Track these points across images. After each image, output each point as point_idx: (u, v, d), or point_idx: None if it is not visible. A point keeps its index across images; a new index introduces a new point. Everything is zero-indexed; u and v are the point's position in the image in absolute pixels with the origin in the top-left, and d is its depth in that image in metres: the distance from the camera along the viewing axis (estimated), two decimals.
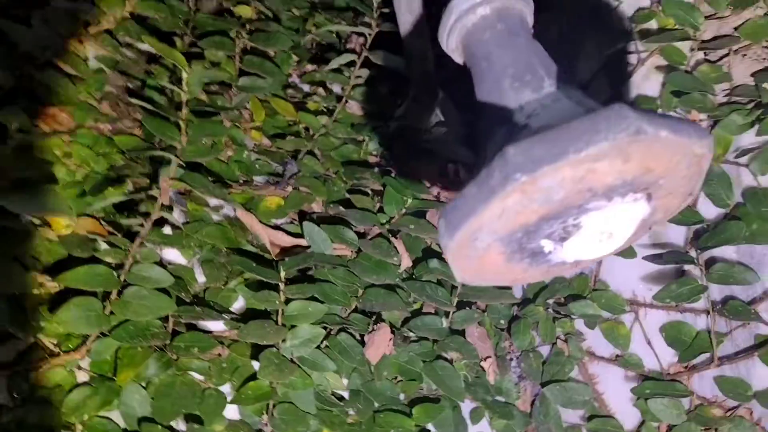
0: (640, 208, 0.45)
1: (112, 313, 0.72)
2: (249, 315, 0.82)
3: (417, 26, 0.91)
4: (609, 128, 0.38)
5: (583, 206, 0.43)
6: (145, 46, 0.99)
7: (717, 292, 0.74)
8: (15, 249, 0.70)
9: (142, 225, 0.78)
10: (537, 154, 0.40)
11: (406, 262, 0.93)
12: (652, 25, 0.81)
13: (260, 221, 0.91)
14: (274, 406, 0.78)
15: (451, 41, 0.53)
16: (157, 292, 0.75)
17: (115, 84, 0.96)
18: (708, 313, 0.74)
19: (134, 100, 0.86)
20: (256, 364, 0.79)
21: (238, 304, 0.84)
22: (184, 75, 0.83)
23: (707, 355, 0.74)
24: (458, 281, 0.52)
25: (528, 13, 0.51)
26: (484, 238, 0.45)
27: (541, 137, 0.40)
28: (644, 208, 0.45)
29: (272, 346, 0.79)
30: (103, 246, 0.77)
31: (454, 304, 0.91)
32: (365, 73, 1.04)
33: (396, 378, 0.87)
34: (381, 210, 0.96)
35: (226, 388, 0.78)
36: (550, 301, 0.90)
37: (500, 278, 0.51)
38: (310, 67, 1.12)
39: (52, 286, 0.74)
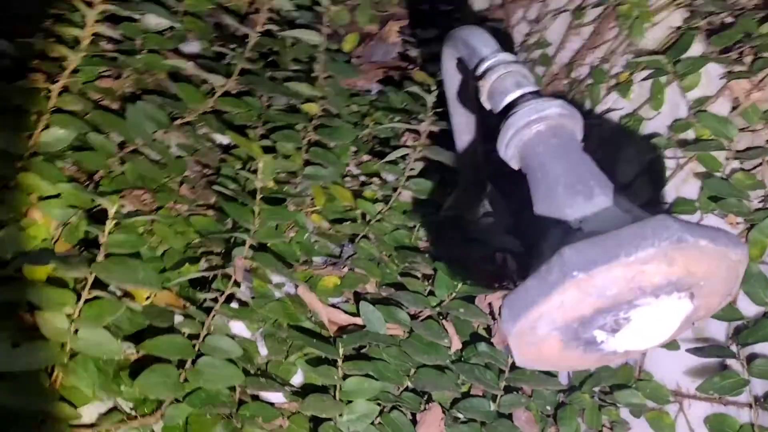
0: (683, 306, 0.50)
1: (186, 380, 0.78)
2: (308, 389, 0.87)
3: (468, 125, 1.00)
4: (655, 235, 0.44)
5: (633, 302, 0.48)
6: (219, 137, 1.10)
7: (759, 386, 0.77)
8: (104, 318, 0.77)
9: (215, 299, 0.85)
10: (591, 255, 0.46)
11: (456, 344, 0.97)
12: (689, 134, 0.88)
13: (319, 299, 0.98)
14: None
15: (509, 151, 0.60)
16: (227, 363, 0.81)
17: (193, 170, 1.06)
18: (751, 406, 0.77)
19: (215, 187, 0.95)
20: None
21: (297, 378, 0.89)
22: (260, 164, 0.92)
23: None
24: (518, 364, 0.57)
25: (578, 129, 0.58)
26: (543, 326, 0.50)
27: (595, 240, 0.46)
28: (687, 306, 0.50)
29: (330, 419, 0.83)
30: (178, 318, 0.85)
31: (502, 387, 0.94)
32: (418, 165, 1.12)
33: None
34: (431, 293, 1.01)
35: None
36: (596, 390, 0.93)
37: (556, 363, 0.56)
38: (366, 157, 1.21)
39: (131, 353, 0.81)
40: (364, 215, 1.09)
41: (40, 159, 0.89)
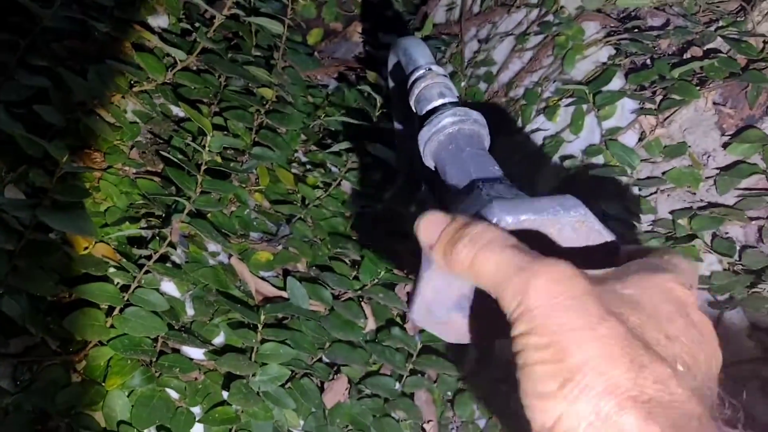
0: None
1: (112, 326, 0.84)
2: (227, 350, 0.94)
3: (408, 129, 1.08)
4: (571, 205, 0.50)
5: None
6: (176, 110, 1.16)
7: None
8: (42, 259, 0.82)
9: (149, 257, 0.91)
10: (520, 208, 0.52)
11: (371, 325, 1.05)
12: (600, 159, 0.98)
13: (250, 271, 1.05)
14: (235, 431, 0.88)
15: (426, 151, 0.68)
16: (152, 315, 0.87)
17: (145, 136, 1.12)
18: None
19: (162, 153, 1.01)
20: (225, 394, 0.90)
21: (218, 339, 0.96)
22: (208, 138, 0.99)
23: None
24: (448, 342, 0.63)
25: (478, 131, 0.66)
26: (437, 310, 0.58)
27: (518, 200, 0.53)
28: None
29: (243, 378, 0.90)
30: (113, 270, 0.90)
31: (408, 369, 1.03)
32: (361, 160, 1.20)
33: (347, 426, 0.98)
34: (356, 278, 1.09)
35: (196, 409, 0.88)
36: (495, 376, 1.02)
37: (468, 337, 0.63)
38: (314, 147, 1.28)
39: (64, 295, 0.86)
40: (303, 199, 1.17)
41: (1, 107, 0.93)
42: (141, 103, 1.09)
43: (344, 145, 1.19)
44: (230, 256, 1.04)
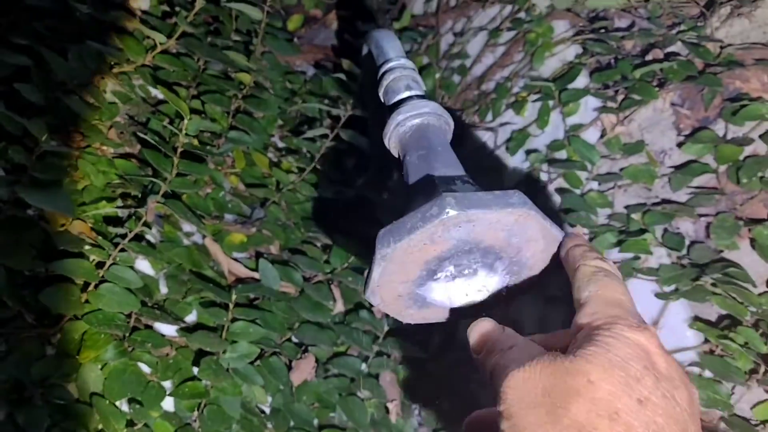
0: (497, 278, 0.62)
1: (87, 301, 0.87)
2: (198, 328, 0.97)
3: (379, 118, 1.11)
4: (517, 201, 0.55)
5: (483, 250, 0.59)
6: (154, 92, 1.18)
7: None
8: (20, 234, 0.85)
9: (125, 236, 0.94)
10: (466, 201, 0.56)
11: (340, 308, 1.09)
12: (563, 154, 1.02)
13: (223, 252, 1.08)
14: (204, 405, 0.92)
15: (390, 142, 0.72)
16: (126, 291, 0.90)
17: (123, 117, 1.14)
18: None
19: (140, 134, 1.03)
20: (195, 370, 0.94)
21: (190, 317, 0.99)
22: (185, 121, 1.01)
23: None
24: (369, 295, 0.67)
25: (441, 125, 0.70)
26: (383, 296, 0.62)
27: (467, 194, 0.57)
28: (502, 279, 0.63)
29: (213, 354, 0.94)
30: (88, 247, 0.93)
31: (374, 351, 1.07)
32: (334, 145, 1.24)
33: (313, 404, 1.02)
34: (327, 262, 1.13)
35: (167, 384, 0.92)
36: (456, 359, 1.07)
37: (412, 318, 0.67)
38: (290, 133, 1.31)
39: (40, 271, 0.89)
40: (278, 183, 1.20)
41: None
42: (120, 84, 1.11)
43: (318, 131, 1.22)
44: (204, 236, 1.07)
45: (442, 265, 0.61)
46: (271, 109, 1.20)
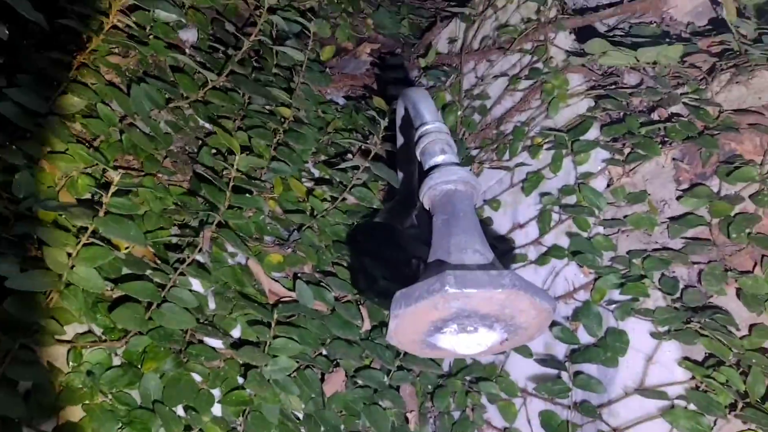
0: (498, 334, 0.75)
1: (150, 318, 0.99)
2: (243, 342, 1.09)
3: (409, 156, 1.23)
4: (506, 281, 0.68)
5: (474, 317, 0.72)
6: (201, 122, 1.29)
7: (579, 394, 1.04)
8: (96, 261, 0.97)
9: (183, 260, 1.06)
10: (464, 280, 0.69)
11: (367, 326, 1.21)
12: (572, 199, 1.14)
13: (264, 271, 1.20)
14: (248, 411, 1.04)
15: (424, 198, 0.84)
16: (184, 310, 1.02)
17: (176, 146, 1.25)
18: (570, 408, 1.04)
19: (195, 167, 1.15)
20: (240, 380, 1.06)
21: (236, 332, 1.11)
22: (237, 157, 1.13)
23: None
24: (390, 340, 0.80)
25: (475, 194, 0.82)
26: (400, 340, 0.75)
27: (467, 273, 0.70)
28: (502, 334, 0.75)
29: (257, 367, 1.06)
30: (149, 271, 1.05)
31: (396, 365, 1.19)
32: (364, 176, 1.35)
33: (341, 412, 1.14)
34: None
35: (216, 392, 1.04)
36: (467, 378, 1.19)
37: (414, 348, 0.80)
38: (323, 157, 1.43)
39: (109, 291, 1.01)
40: (312, 209, 1.31)
41: (56, 119, 1.07)
42: (174, 117, 1.23)
43: (350, 164, 1.34)
44: (248, 258, 1.19)
45: (447, 324, 0.75)
46: (309, 143, 1.32)
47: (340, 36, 1.61)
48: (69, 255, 0.94)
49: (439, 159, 0.86)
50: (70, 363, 0.94)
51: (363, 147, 1.38)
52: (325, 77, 1.53)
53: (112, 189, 0.97)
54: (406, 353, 1.21)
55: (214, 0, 1.40)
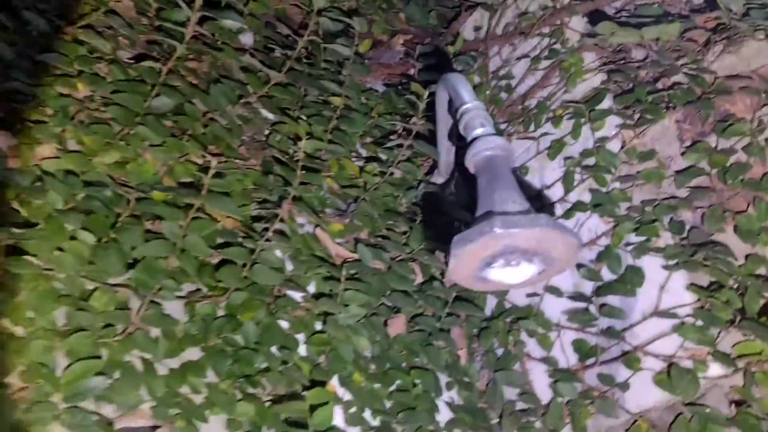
0: (536, 266, 0.95)
1: (245, 277, 1.21)
2: (320, 296, 1.30)
3: (448, 132, 1.43)
4: (541, 222, 0.88)
5: (517, 253, 0.92)
6: (265, 113, 1.50)
7: (605, 322, 1.24)
8: (202, 232, 1.18)
9: (267, 229, 1.27)
10: (510, 221, 0.89)
11: (419, 279, 1.42)
12: (591, 161, 1.33)
13: (329, 238, 1.41)
14: (329, 351, 1.26)
15: (469, 164, 1.04)
16: (272, 269, 1.23)
17: (247, 135, 1.46)
18: (597, 334, 1.24)
19: (269, 152, 1.36)
20: (318, 326, 1.28)
21: (311, 288, 1.32)
22: (303, 141, 1.34)
23: (594, 359, 1.23)
24: (451, 279, 1.00)
25: (511, 158, 1.02)
26: (457, 277, 0.95)
27: (509, 216, 0.90)
28: (539, 266, 0.95)
29: (333, 314, 1.27)
30: (240, 239, 1.26)
31: (445, 312, 1.40)
32: (408, 153, 1.55)
33: (402, 351, 1.35)
34: (406, 244, 1.45)
35: (300, 336, 1.25)
36: (508, 319, 1.39)
37: (470, 283, 1.00)
38: (369, 139, 1.63)
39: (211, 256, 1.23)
40: (365, 183, 1.52)
41: (152, 117, 1.28)
42: (246, 110, 1.44)
43: (394, 142, 1.54)
44: (316, 226, 1.40)
45: (495, 259, 0.95)
46: (358, 126, 1.52)
47: (376, 30, 1.81)
48: (181, 227, 1.16)
49: (479, 131, 1.06)
50: (187, 315, 1.16)
51: (405, 127, 1.58)
52: (365, 68, 1.73)
53: (211, 172, 1.19)
54: (454, 301, 1.41)
55: (267, 7, 1.60)
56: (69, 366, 1.01)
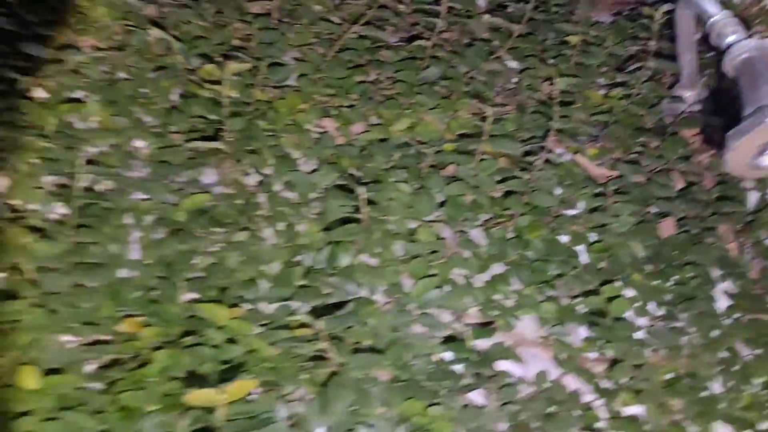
0: None
1: (527, 203, 1.45)
2: (590, 210, 1.50)
3: (689, 44, 1.53)
4: None
5: None
6: (510, 63, 1.71)
7: None
8: (487, 171, 1.44)
9: (536, 161, 1.49)
10: None
11: (680, 185, 1.56)
12: None
13: (588, 162, 1.60)
14: (607, 257, 1.46)
15: (728, 68, 1.16)
16: (547, 193, 1.46)
17: (498, 86, 1.69)
18: None
19: (523, 95, 1.58)
20: (592, 237, 1.48)
21: (581, 205, 1.53)
22: (557, 80, 1.53)
23: None
24: (728, 170, 1.14)
25: (765, 56, 1.12)
26: (733, 167, 1.08)
27: None
28: None
29: (607, 225, 1.46)
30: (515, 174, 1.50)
31: (710, 211, 1.52)
32: (648, 73, 1.67)
33: (674, 250, 1.50)
34: (661, 156, 1.59)
35: (580, 247, 1.47)
36: None
37: (743, 172, 1.13)
38: (604, 68, 1.77)
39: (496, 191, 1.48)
40: (611, 108, 1.67)
41: (426, 86, 1.56)
42: (496, 62, 1.67)
43: (635, 65, 1.67)
44: (575, 152, 1.59)
45: (767, 147, 1.06)
46: (598, 58, 1.68)
47: None
48: (471, 169, 1.43)
49: (732, 38, 1.17)
50: (486, 239, 1.44)
51: (642, 49, 1.70)
52: (591, 2, 1.86)
53: (489, 120, 1.44)
54: (716, 201, 1.53)
55: None
56: (415, 283, 1.33)
